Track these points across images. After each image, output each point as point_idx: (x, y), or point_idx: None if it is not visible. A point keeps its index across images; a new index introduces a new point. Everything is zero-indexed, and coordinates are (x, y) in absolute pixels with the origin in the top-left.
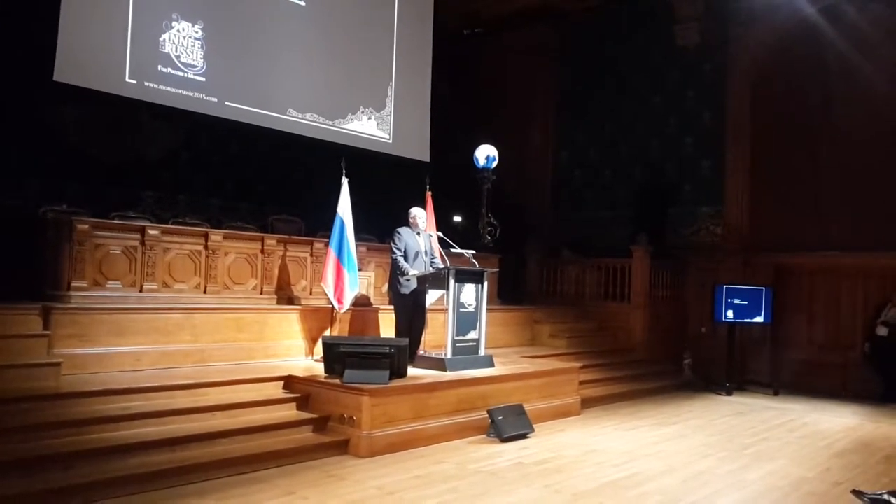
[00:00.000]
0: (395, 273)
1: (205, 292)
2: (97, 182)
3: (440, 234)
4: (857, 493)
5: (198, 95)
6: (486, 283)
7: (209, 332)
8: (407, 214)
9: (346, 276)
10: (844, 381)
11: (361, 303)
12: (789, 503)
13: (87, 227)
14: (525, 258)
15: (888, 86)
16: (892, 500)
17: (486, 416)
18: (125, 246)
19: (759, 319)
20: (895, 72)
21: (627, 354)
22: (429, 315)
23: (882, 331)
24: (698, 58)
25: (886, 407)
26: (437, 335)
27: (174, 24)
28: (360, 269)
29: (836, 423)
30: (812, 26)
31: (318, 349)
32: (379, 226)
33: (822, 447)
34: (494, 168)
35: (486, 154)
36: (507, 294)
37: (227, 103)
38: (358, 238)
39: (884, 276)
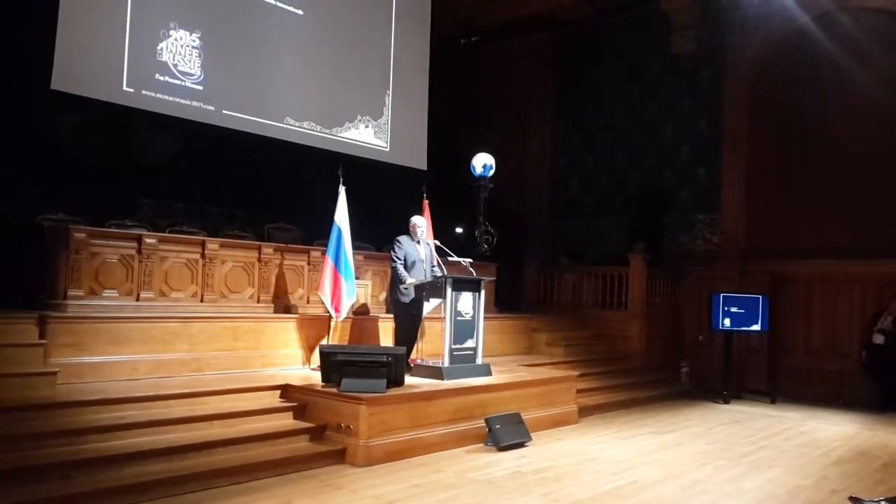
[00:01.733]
0: (396, 281)
1: (201, 301)
2: (94, 190)
3: (437, 242)
4: (855, 501)
5: (195, 104)
6: (483, 292)
7: (206, 340)
8: (404, 223)
9: (343, 284)
10: (841, 390)
11: (358, 311)
12: None
13: (83, 235)
14: (522, 266)
15: (883, 93)
16: None
17: (484, 424)
18: (122, 254)
19: (756, 327)
20: (890, 79)
21: (625, 363)
22: (426, 323)
23: (879, 339)
24: (694, 66)
25: (883, 415)
26: (435, 343)
27: (171, 32)
28: (357, 278)
29: (833, 431)
30: (807, 34)
31: (316, 358)
32: (376, 234)
33: (819, 455)
34: (491, 176)
35: (482, 162)
36: (504, 302)
37: (224, 112)
38: (355, 246)
39: (880, 283)
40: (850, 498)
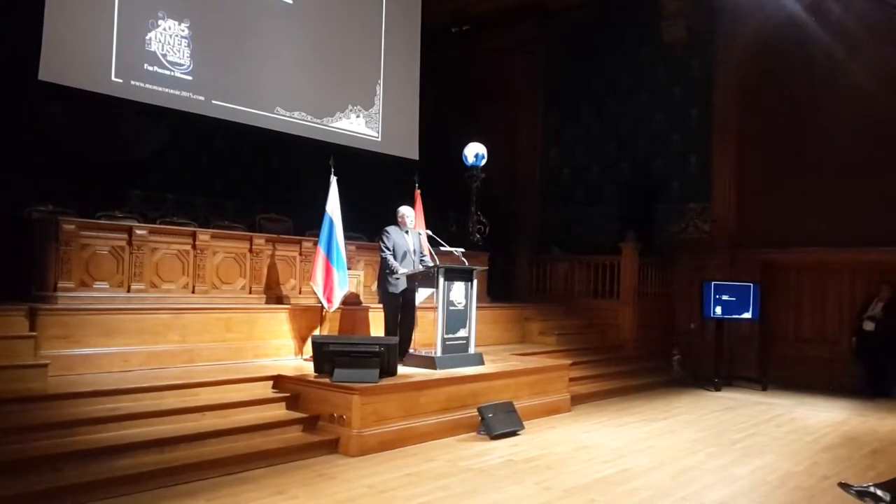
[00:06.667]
0: (384, 272)
1: (193, 292)
2: (84, 182)
3: (429, 232)
4: (844, 486)
5: (185, 94)
6: (475, 281)
7: (198, 332)
8: (396, 213)
9: (335, 274)
10: (832, 376)
11: (351, 301)
12: (778, 497)
13: (73, 227)
14: (514, 256)
15: (873, 81)
16: (879, 492)
17: (477, 413)
18: (112, 246)
19: (748, 315)
20: (879, 67)
21: (617, 351)
22: (419, 313)
23: (869, 325)
24: (685, 54)
25: (873, 401)
26: (427, 333)
27: (160, 22)
28: (349, 268)
29: (824, 417)
30: (798, 23)
31: (308, 348)
32: (368, 224)
33: (809, 441)
34: (483, 166)
35: (474, 152)
36: (496, 292)
37: (214, 102)
38: (347, 237)
39: (870, 271)
40: (840, 484)
